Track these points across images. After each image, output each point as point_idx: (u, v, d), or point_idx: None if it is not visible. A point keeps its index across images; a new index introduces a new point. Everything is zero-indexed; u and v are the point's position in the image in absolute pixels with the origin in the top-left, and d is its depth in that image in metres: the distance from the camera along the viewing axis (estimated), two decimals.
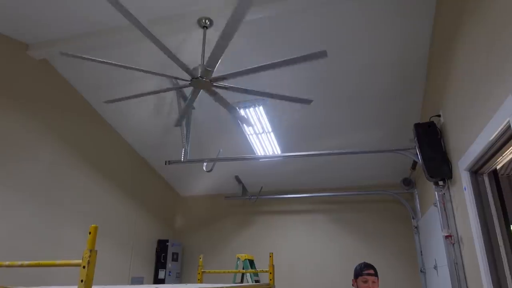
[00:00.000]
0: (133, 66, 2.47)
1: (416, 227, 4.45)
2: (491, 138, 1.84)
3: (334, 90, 3.52)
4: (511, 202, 2.53)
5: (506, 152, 1.91)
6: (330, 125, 4.02)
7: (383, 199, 4.93)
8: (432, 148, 2.84)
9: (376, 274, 2.27)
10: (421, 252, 4.30)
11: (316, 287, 4.84)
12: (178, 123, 3.25)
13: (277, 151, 4.46)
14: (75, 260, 1.25)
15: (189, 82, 2.62)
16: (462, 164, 2.41)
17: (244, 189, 5.36)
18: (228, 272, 2.96)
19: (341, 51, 3.09)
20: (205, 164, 3.84)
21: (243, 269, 4.57)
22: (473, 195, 2.29)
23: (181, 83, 3.37)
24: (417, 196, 4.48)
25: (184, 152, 3.65)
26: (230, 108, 2.95)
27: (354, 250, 4.86)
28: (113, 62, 2.42)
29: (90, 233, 1.22)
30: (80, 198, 3.81)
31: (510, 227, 2.19)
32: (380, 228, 4.85)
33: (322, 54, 2.34)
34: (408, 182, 4.57)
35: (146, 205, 4.95)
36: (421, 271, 4.28)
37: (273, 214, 5.36)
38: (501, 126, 1.70)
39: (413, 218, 4.54)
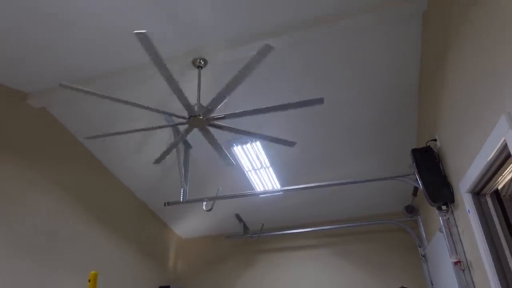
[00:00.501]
0: (132, 101, 2.48)
1: (423, 256, 4.35)
2: (489, 158, 1.85)
3: (330, 123, 3.57)
4: None
5: (506, 171, 1.91)
6: (328, 157, 4.03)
7: (387, 228, 4.85)
8: (431, 172, 2.85)
9: None
10: (431, 281, 4.17)
11: None
12: (159, 160, 3.19)
13: (277, 186, 4.43)
14: None
15: (187, 120, 2.65)
16: (463, 186, 2.41)
17: (245, 227, 5.26)
18: None
19: (334, 84, 3.16)
20: (204, 203, 3.80)
21: None
22: (477, 217, 2.27)
23: (177, 120, 3.40)
24: (421, 223, 4.41)
25: (183, 192, 3.62)
26: (218, 148, 2.94)
27: (361, 283, 4.70)
28: (112, 96, 2.43)
29: (89, 280, 1.18)
30: (79, 247, 3.71)
31: None
32: (387, 258, 4.73)
33: (319, 101, 2.41)
34: (411, 210, 4.52)
35: (146, 249, 4.83)
36: None
37: (276, 252, 5.23)
38: (498, 146, 1.72)
39: (420, 246, 4.44)
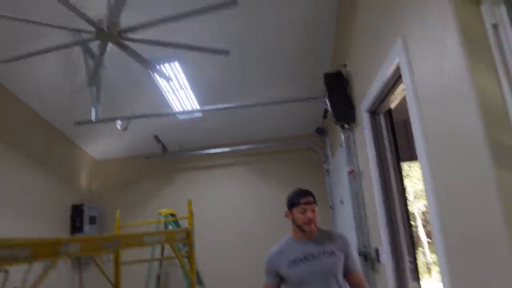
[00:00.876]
0: (31, 19, 2.20)
1: (327, 170, 4.92)
2: (384, 79, 2.09)
3: (250, 46, 3.58)
4: (403, 140, 2.95)
5: (397, 91, 2.19)
6: (247, 80, 4.11)
7: (299, 148, 5.29)
8: (339, 95, 3.12)
9: (315, 201, 2.00)
10: (331, 190, 4.79)
11: (238, 232, 5.14)
12: (91, 82, 3.02)
13: (196, 107, 4.44)
14: None
15: (94, 35, 2.45)
16: (363, 106, 2.70)
17: (164, 148, 5.29)
18: (146, 223, 3.00)
19: (254, 7, 3.11)
20: (119, 122, 3.69)
21: (164, 223, 4.63)
22: (371, 132, 2.61)
23: (86, 36, 3.11)
24: (328, 143, 4.90)
25: (95, 112, 3.45)
26: (147, 63, 2.83)
27: (273, 197, 5.20)
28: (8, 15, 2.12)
29: None
30: None
31: (399, 161, 2.57)
32: (296, 174, 5.24)
33: (225, 53, 2.40)
34: (321, 131, 4.95)
35: (57, 171, 4.64)
36: (330, 207, 4.80)
37: (194, 171, 5.43)
38: (392, 67, 1.95)
39: (325, 163, 4.99)
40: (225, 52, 2.84)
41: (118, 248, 2.15)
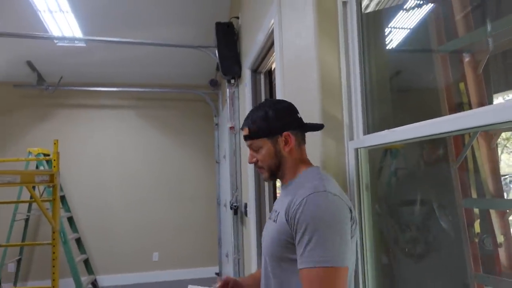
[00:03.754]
0: None
1: (216, 124, 4.96)
2: (262, 39, 2.11)
3: None
4: None
5: (273, 54, 2.24)
6: (138, 15, 3.77)
7: (192, 98, 5.19)
8: (228, 48, 3.08)
9: (253, 136, 1.10)
10: (218, 145, 4.88)
11: (120, 177, 4.97)
12: None
13: (78, 35, 3.96)
14: None
15: None
16: (246, 64, 2.73)
17: (39, 77, 4.67)
18: (8, 160, 2.68)
19: None
20: None
21: (36, 163, 4.22)
22: (251, 90, 2.67)
23: None
24: (220, 96, 4.90)
25: None
26: None
27: (160, 144, 5.10)
28: None
29: None
30: None
31: None
32: (187, 124, 5.18)
33: None
34: (214, 83, 4.90)
35: None
36: (216, 161, 4.92)
37: (76, 108, 4.96)
38: (269, 28, 1.97)
39: (215, 116, 5.01)
40: None
41: None
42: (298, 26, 1.49)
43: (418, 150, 1.28)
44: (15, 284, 4.44)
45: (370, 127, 1.26)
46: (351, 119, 1.27)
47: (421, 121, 0.95)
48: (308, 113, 1.32)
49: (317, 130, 1.17)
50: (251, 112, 1.13)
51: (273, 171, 1.11)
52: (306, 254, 0.88)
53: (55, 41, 4.04)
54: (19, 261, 4.49)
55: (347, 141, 1.27)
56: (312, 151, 1.21)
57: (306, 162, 1.11)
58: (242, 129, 1.15)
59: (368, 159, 1.24)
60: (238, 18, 3.07)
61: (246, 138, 1.13)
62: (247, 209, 2.85)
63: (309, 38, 1.35)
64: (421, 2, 1.32)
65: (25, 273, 4.64)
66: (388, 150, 1.36)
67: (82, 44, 4.13)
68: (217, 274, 4.86)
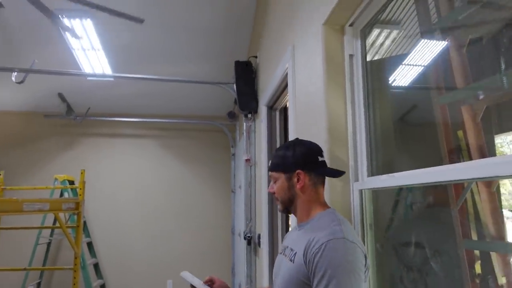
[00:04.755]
0: None
1: (233, 154, 5.10)
2: (278, 79, 2.26)
3: (169, 16, 3.51)
4: None
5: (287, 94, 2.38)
6: (163, 52, 4.04)
7: (210, 129, 5.38)
8: (246, 84, 3.25)
9: (272, 168, 1.23)
10: (234, 175, 4.99)
11: (139, 203, 5.11)
12: None
13: (107, 71, 4.25)
14: None
15: None
16: (263, 100, 2.88)
17: (69, 108, 4.97)
18: (37, 188, 2.86)
19: None
20: (14, 74, 3.39)
21: (61, 190, 4.42)
22: (266, 125, 2.80)
23: None
24: (238, 128, 5.06)
25: None
26: (50, 14, 2.63)
27: (179, 172, 5.25)
28: None
29: None
30: None
31: None
32: (205, 154, 5.34)
33: (139, 21, 2.41)
34: (232, 115, 5.08)
35: None
36: (232, 191, 5.02)
37: (101, 137, 5.21)
38: (284, 70, 2.11)
39: (232, 147, 5.16)
40: (139, 21, 2.78)
41: None
42: (309, 72, 1.62)
43: (420, 191, 1.36)
44: None
45: (374, 169, 1.35)
46: (356, 161, 1.36)
47: (422, 166, 1.04)
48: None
49: (335, 177, 1.22)
50: (279, 147, 1.27)
51: (285, 204, 1.20)
52: None
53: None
54: (38, 284, 4.61)
55: (352, 182, 1.36)
56: None
57: (322, 204, 1.17)
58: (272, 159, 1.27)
59: (372, 200, 1.33)
60: (256, 57, 3.26)
61: (268, 168, 1.27)
62: (260, 239, 2.91)
63: (319, 85, 1.47)
64: (423, 53, 1.43)
65: None
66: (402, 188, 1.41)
67: (110, 79, 4.41)
68: None
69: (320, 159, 1.17)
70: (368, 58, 1.42)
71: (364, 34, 1.40)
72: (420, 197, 1.29)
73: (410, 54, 1.44)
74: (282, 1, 2.25)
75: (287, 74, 2.05)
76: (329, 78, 1.42)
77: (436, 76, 1.39)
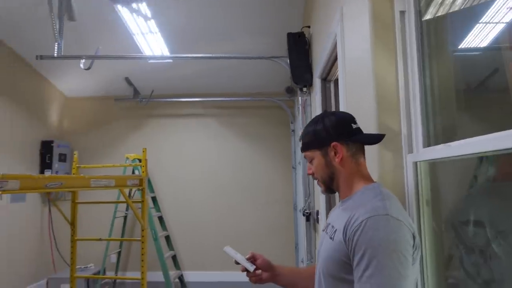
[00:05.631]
0: None
1: (293, 130, 5.02)
2: (328, 48, 2.12)
3: None
4: None
5: None
6: (217, 30, 4.03)
7: (269, 105, 5.34)
8: (299, 57, 3.13)
9: (305, 148, 1.13)
10: (294, 151, 4.93)
11: (206, 182, 5.32)
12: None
13: (166, 53, 4.38)
14: None
15: None
16: (316, 72, 2.74)
17: (135, 91, 5.27)
18: (106, 166, 3.09)
19: None
20: (82, 61, 3.65)
21: (132, 168, 4.75)
22: (320, 98, 2.68)
23: None
24: (296, 103, 4.95)
25: (57, 47, 3.39)
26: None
27: (241, 149, 5.34)
28: None
29: None
30: None
31: None
32: (265, 131, 5.34)
33: None
34: (290, 90, 4.98)
35: (24, 104, 4.61)
36: (293, 167, 4.97)
37: (165, 117, 5.47)
38: (333, 39, 1.97)
39: (292, 123, 5.08)
40: None
41: (60, 189, 2.25)
42: (356, 37, 1.48)
43: (487, 163, 1.18)
44: (116, 273, 5.05)
45: (432, 139, 1.20)
46: (409, 130, 1.22)
47: (488, 133, 0.89)
48: (365, 124, 1.31)
49: (374, 143, 1.11)
50: (306, 125, 1.15)
51: (326, 183, 1.10)
52: (364, 279, 0.86)
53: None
54: (119, 253, 5.09)
55: (405, 154, 1.23)
56: (368, 163, 1.19)
57: (365, 178, 1.06)
58: (299, 140, 1.15)
59: (428, 173, 1.19)
60: (309, 27, 3.10)
61: (301, 149, 1.17)
62: (319, 216, 2.85)
63: (365, 48, 1.34)
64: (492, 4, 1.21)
65: (124, 264, 5.25)
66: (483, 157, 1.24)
67: (169, 60, 4.55)
68: None
69: (354, 126, 1.06)
70: (426, 17, 1.24)
71: None
72: (486, 169, 1.11)
73: (477, 8, 1.23)
74: None
75: (336, 41, 1.91)
76: (376, 40, 1.27)
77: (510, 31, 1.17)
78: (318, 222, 2.95)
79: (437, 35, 1.22)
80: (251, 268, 1.25)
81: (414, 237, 0.90)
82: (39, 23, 3.78)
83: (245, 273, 1.28)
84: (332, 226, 1.05)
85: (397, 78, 1.25)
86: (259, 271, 1.28)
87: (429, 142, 1.19)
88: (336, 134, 1.05)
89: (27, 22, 3.82)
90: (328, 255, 1.00)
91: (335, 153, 1.05)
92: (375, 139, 1.08)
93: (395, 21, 1.26)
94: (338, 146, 1.04)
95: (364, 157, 1.08)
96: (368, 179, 1.06)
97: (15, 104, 4.46)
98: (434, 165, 1.19)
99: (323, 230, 1.13)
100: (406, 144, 1.22)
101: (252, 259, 1.28)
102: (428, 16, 1.26)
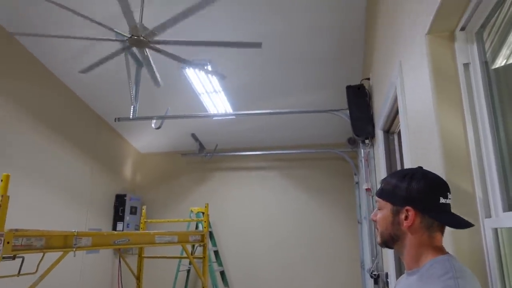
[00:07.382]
0: (72, 8, 2.46)
1: (357, 183, 4.81)
2: (389, 101, 2.05)
3: (281, 51, 3.63)
4: None
5: None
6: (278, 85, 4.17)
7: (331, 157, 5.23)
8: (359, 109, 3.07)
9: (379, 194, 1.04)
10: (359, 205, 4.68)
11: (267, 236, 5.22)
12: (85, 71, 3.25)
13: (229, 110, 4.60)
14: None
15: (128, 38, 2.67)
16: (378, 124, 2.65)
17: (201, 146, 5.53)
18: (172, 221, 3.19)
19: (285, 13, 3.16)
20: (153, 121, 3.96)
21: (196, 222, 4.85)
22: (384, 151, 2.55)
23: (118, 37, 3.38)
24: (359, 154, 4.78)
25: (133, 110, 3.74)
26: (184, 61, 2.99)
27: (303, 203, 5.21)
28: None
29: (1, 180, 1.38)
30: (30, 154, 3.87)
31: None
32: (327, 183, 5.19)
33: (257, 45, 2.49)
34: (352, 141, 4.86)
35: (103, 160, 5.06)
36: (358, 221, 4.69)
37: (228, 170, 5.60)
38: (393, 90, 1.91)
39: (355, 174, 4.88)
40: (257, 45, 2.87)
41: (127, 246, 2.35)
42: (418, 89, 1.42)
43: None
44: None
45: None
46: (485, 191, 1.09)
47: None
48: None
49: (455, 228, 0.93)
50: (395, 172, 1.04)
51: (385, 238, 1.00)
52: None
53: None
54: None
55: (482, 219, 1.08)
56: None
57: (435, 249, 0.93)
58: (380, 183, 1.08)
59: None
60: (369, 79, 3.07)
61: (376, 192, 1.09)
62: (388, 279, 2.60)
63: (427, 102, 1.26)
64: None
65: None
66: None
67: (232, 116, 4.76)
68: None
69: (443, 200, 0.92)
70: (494, 65, 1.15)
71: (481, 36, 1.15)
72: None
73: None
74: (387, 15, 2.07)
75: (396, 94, 1.84)
76: (439, 93, 1.20)
77: None
78: (388, 286, 2.68)
79: (509, 84, 1.12)
80: None
81: None
82: (117, 87, 4.24)
83: None
84: None
85: (466, 133, 1.15)
86: None
87: (510, 205, 1.04)
88: (417, 201, 0.93)
89: (108, 87, 4.30)
90: None
91: (406, 218, 0.94)
92: (458, 224, 0.92)
93: (459, 74, 1.19)
94: (412, 212, 0.93)
95: (442, 234, 0.95)
96: (438, 250, 0.93)
97: (96, 160, 4.91)
98: None
99: None
100: (482, 207, 1.09)
101: None
102: (497, 65, 1.17)
